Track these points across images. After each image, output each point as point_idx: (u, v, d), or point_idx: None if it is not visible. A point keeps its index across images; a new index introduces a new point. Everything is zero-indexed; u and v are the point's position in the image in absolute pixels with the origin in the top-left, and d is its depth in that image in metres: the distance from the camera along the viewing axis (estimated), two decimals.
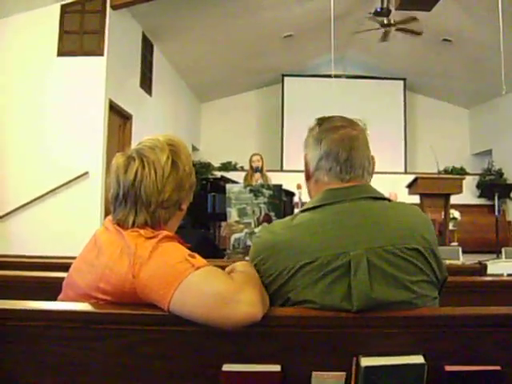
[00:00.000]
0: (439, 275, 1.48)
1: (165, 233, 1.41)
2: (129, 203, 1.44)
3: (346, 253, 1.36)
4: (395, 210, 1.51)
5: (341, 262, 1.36)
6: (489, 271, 2.93)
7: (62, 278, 1.52)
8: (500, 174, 12.79)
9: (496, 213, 9.09)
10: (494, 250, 8.14)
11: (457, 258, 4.57)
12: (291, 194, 7.27)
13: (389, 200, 1.54)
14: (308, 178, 1.63)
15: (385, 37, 9.93)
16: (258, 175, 7.59)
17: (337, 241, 1.38)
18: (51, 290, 1.56)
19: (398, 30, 9.69)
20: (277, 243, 1.43)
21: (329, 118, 1.64)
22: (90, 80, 7.32)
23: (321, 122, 1.63)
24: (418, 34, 9.72)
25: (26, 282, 2.26)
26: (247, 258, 1.58)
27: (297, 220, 1.48)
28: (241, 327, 1.22)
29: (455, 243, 9.11)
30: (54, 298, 1.47)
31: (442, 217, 7.93)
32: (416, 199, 7.37)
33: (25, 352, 1.29)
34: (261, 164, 7.68)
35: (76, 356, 1.28)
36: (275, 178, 7.37)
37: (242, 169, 11.92)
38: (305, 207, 1.52)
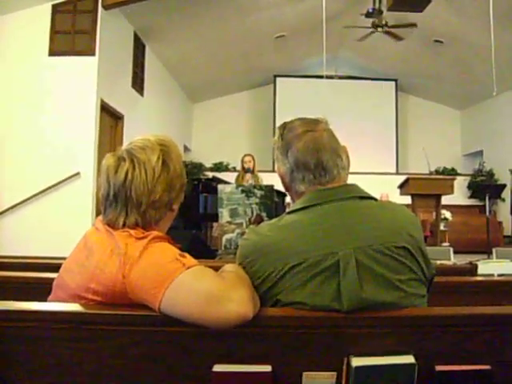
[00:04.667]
0: (427, 273, 1.48)
1: (155, 233, 1.41)
2: (119, 204, 1.43)
3: (334, 253, 1.36)
4: (382, 208, 1.51)
5: (329, 263, 1.35)
6: (479, 271, 2.93)
7: (53, 279, 1.51)
8: (491, 174, 12.86)
9: (487, 213, 9.13)
10: (485, 251, 8.17)
11: (448, 258, 4.58)
12: (283, 195, 7.28)
13: (375, 199, 1.54)
14: (288, 189, 1.62)
15: (365, 37, 9.99)
16: (249, 176, 7.59)
17: (325, 241, 1.38)
18: (42, 290, 1.56)
19: (393, 27, 9.73)
20: (264, 245, 1.43)
21: (290, 124, 1.62)
22: (81, 80, 7.31)
23: (282, 131, 1.61)
24: (400, 38, 9.80)
25: (16, 282, 2.25)
26: None
27: (284, 221, 1.48)
28: (232, 326, 1.22)
29: (446, 243, 9.15)
30: (44, 299, 1.47)
31: (434, 217, 7.96)
32: (407, 200, 7.39)
33: (14, 353, 1.28)
34: (252, 164, 7.68)
35: (66, 357, 1.28)
36: (267, 179, 7.37)
37: (234, 169, 11.95)
38: (292, 208, 1.51)
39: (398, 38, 9.89)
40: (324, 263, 1.35)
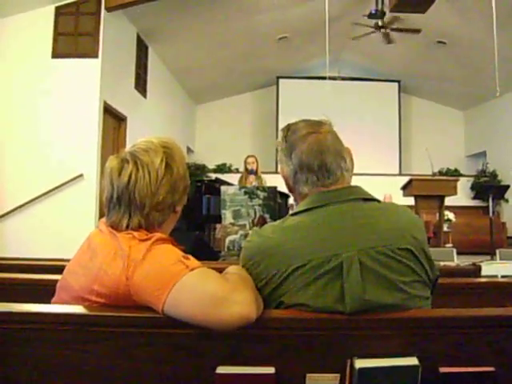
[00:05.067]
0: (431, 275, 1.48)
1: (158, 235, 1.41)
2: (123, 206, 1.44)
3: (337, 255, 1.36)
4: (386, 210, 1.51)
5: (333, 264, 1.35)
6: (483, 273, 2.94)
7: (57, 281, 1.51)
8: (494, 175, 12.85)
9: (490, 214, 9.10)
10: (489, 252, 8.15)
11: (451, 259, 4.57)
12: (286, 196, 7.27)
13: (378, 201, 1.53)
14: (291, 191, 1.62)
15: (388, 38, 9.97)
16: (252, 177, 7.59)
17: (328, 243, 1.38)
18: (45, 292, 1.56)
19: (396, 30, 9.72)
20: (268, 247, 1.43)
21: (293, 126, 1.61)
22: (84, 82, 7.32)
23: (286, 133, 1.61)
24: (417, 31, 9.73)
25: (20, 284, 2.25)
26: None
27: (287, 223, 1.47)
28: (235, 328, 1.22)
29: (450, 245, 9.13)
30: (48, 301, 1.47)
31: (437, 218, 7.94)
32: (411, 201, 7.38)
33: (18, 354, 1.28)
34: (256, 166, 7.68)
35: (70, 359, 1.28)
36: (270, 180, 7.37)
37: (237, 171, 11.96)
38: (295, 210, 1.51)
39: (415, 31, 9.80)
40: (327, 265, 1.35)
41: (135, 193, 1.42)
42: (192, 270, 1.30)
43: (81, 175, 7.13)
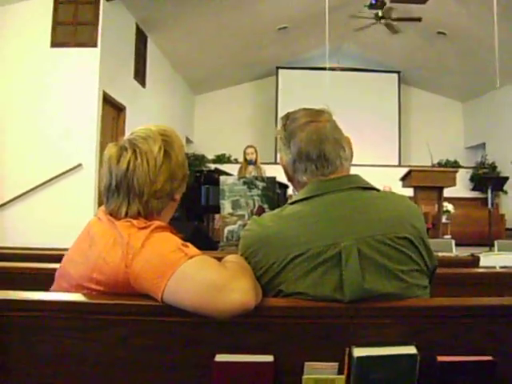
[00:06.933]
0: (429, 264, 1.47)
1: (157, 223, 1.40)
2: (121, 194, 1.43)
3: (336, 243, 1.36)
4: (384, 199, 1.50)
5: (331, 253, 1.35)
6: (481, 263, 2.93)
7: (55, 270, 1.51)
8: (493, 167, 12.85)
9: (489, 206, 9.11)
10: (487, 243, 8.16)
11: (450, 250, 4.58)
12: (285, 187, 7.27)
13: (378, 190, 1.53)
14: (290, 179, 1.62)
15: (393, 29, 9.97)
16: (251, 167, 7.58)
17: (327, 232, 1.38)
18: (44, 281, 1.56)
19: (397, 19, 9.70)
20: (267, 236, 1.43)
21: (293, 114, 1.60)
22: (83, 71, 7.31)
23: (285, 121, 1.60)
24: (418, 20, 9.70)
25: (19, 273, 2.25)
26: None
27: (286, 212, 1.47)
28: (234, 316, 1.22)
29: (448, 236, 9.14)
30: (46, 290, 1.47)
31: (436, 210, 7.96)
32: (410, 192, 7.39)
33: (18, 342, 1.28)
34: (255, 156, 7.67)
35: (68, 347, 1.28)
36: (269, 171, 7.36)
37: (236, 161, 11.93)
38: (294, 199, 1.51)
39: (394, 30, 9.85)
40: (326, 254, 1.35)
41: (134, 180, 1.42)
42: (191, 257, 1.29)
43: (80, 165, 7.13)
